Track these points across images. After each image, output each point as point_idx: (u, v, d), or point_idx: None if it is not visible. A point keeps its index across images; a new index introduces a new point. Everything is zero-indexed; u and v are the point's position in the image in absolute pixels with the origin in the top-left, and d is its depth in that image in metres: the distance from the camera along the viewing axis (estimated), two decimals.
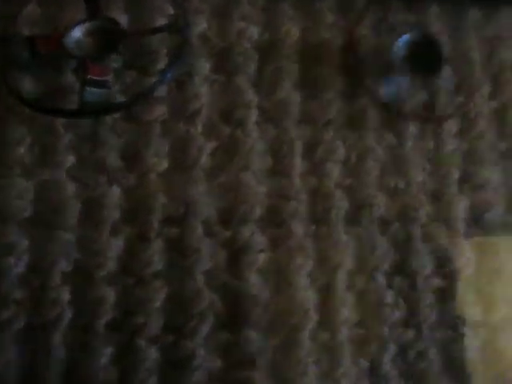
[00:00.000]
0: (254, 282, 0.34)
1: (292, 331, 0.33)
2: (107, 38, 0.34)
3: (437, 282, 0.37)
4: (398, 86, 0.38)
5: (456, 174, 0.39)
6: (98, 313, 0.32)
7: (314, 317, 0.34)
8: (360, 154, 0.38)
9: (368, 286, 0.35)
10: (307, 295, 0.34)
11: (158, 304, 0.33)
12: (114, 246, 0.33)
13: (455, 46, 0.41)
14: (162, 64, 0.36)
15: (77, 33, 0.34)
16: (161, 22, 0.37)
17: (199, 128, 0.36)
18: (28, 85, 0.34)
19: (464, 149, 0.40)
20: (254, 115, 0.37)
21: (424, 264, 0.37)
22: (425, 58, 0.38)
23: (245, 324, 0.33)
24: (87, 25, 0.34)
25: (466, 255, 0.37)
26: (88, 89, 0.32)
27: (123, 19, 0.37)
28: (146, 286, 0.33)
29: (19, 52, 0.33)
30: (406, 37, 0.38)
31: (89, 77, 0.32)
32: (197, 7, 0.39)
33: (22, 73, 0.34)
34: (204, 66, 0.37)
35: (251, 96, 0.37)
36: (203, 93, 0.37)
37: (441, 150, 0.39)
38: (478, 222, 0.38)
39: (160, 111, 0.36)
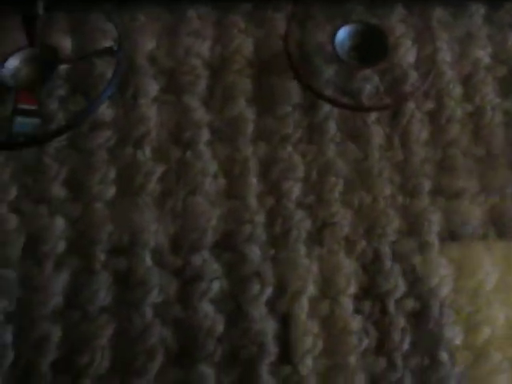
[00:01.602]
0: (207, 313, 0.31)
1: (249, 366, 0.31)
2: (41, 66, 0.32)
3: (410, 304, 0.33)
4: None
5: (428, 186, 0.36)
6: (41, 353, 0.30)
7: (272, 349, 0.31)
8: (321, 170, 0.35)
9: (333, 312, 0.33)
10: (265, 326, 0.31)
11: (104, 341, 0.31)
12: (58, 281, 0.32)
13: (422, 48, 0.39)
14: (105, 88, 0.35)
15: (14, 61, 0.33)
16: (105, 44, 0.36)
17: (147, 152, 0.34)
18: None
19: (436, 157, 0.37)
20: (204, 135, 0.35)
21: (395, 285, 0.34)
22: (370, 48, 0.36)
23: (198, 359, 0.30)
24: (23, 53, 0.33)
25: (441, 273, 0.34)
26: (18, 119, 0.31)
27: (67, 43, 0.36)
28: (91, 322, 0.31)
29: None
30: (346, 28, 0.36)
31: (18, 106, 0.31)
32: (144, 26, 0.37)
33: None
34: (152, 88, 0.35)
35: (201, 115, 0.35)
36: (151, 115, 0.34)
37: (410, 161, 0.37)
38: (454, 236, 0.35)
39: (105, 137, 0.34)
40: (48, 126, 0.33)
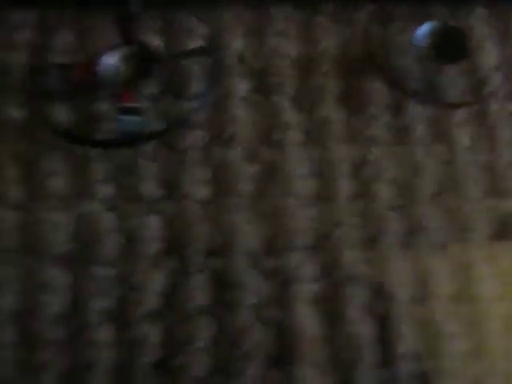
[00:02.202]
0: (304, 315, 0.31)
1: (348, 369, 0.31)
2: (141, 64, 0.32)
3: (506, 306, 0.33)
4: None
5: None
6: (140, 353, 0.30)
7: (371, 352, 0.31)
8: (410, 172, 0.35)
9: (429, 315, 0.32)
10: (362, 328, 0.31)
11: (203, 343, 0.31)
12: (156, 281, 0.32)
13: (505, 50, 0.39)
14: (197, 87, 0.35)
15: (110, 59, 0.32)
16: (195, 44, 0.36)
17: (238, 152, 0.34)
18: (62, 115, 0.32)
19: None
20: (294, 136, 0.35)
21: (488, 287, 0.33)
22: (450, 47, 0.36)
23: (297, 362, 0.30)
24: (121, 51, 0.32)
25: None
26: (122, 117, 0.30)
27: (156, 42, 0.36)
28: (190, 323, 0.31)
29: (52, 81, 0.32)
30: (425, 27, 0.36)
31: (122, 105, 0.30)
32: (231, 26, 0.37)
33: (56, 103, 0.32)
34: (241, 87, 0.35)
35: (291, 116, 0.35)
36: (241, 115, 0.34)
37: (497, 162, 0.37)
38: None
39: (197, 137, 0.34)
40: (146, 124, 0.33)
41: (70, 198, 0.32)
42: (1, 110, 0.33)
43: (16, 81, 0.34)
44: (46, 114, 0.32)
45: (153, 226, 0.32)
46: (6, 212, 0.31)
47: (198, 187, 0.33)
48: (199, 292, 0.31)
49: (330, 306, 0.31)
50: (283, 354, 0.31)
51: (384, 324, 0.31)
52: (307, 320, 0.31)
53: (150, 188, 0.32)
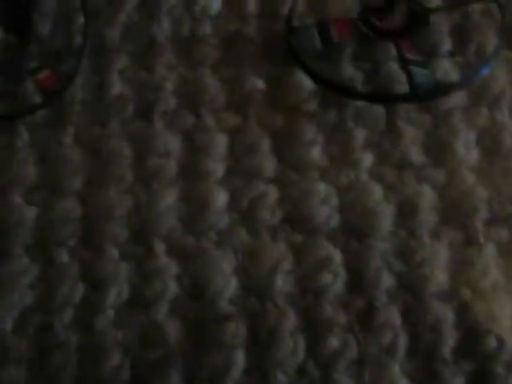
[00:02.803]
0: None
1: None
2: (414, 13, 0.29)
3: None
4: None
5: None
6: (436, 338, 0.26)
7: None
8: None
9: None
10: None
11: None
12: (439, 254, 0.28)
13: None
14: (447, 45, 0.32)
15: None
16: None
17: (505, 112, 0.31)
18: (327, 74, 0.30)
19: None
20: None
21: None
22: None
23: None
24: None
25: None
26: (414, 69, 0.27)
27: None
28: (485, 302, 0.27)
29: (310, 41, 0.30)
30: None
31: (410, 56, 0.27)
32: None
33: (316, 63, 0.30)
34: (494, 43, 0.32)
35: None
36: (500, 73, 0.32)
37: None
38: None
39: (459, 97, 0.31)
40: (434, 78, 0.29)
41: (331, 168, 0.29)
42: (244, 81, 0.31)
43: (253, 50, 0.32)
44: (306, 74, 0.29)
45: (425, 195, 0.29)
46: (262, 186, 0.29)
47: (467, 151, 0.30)
48: (490, 266, 0.28)
49: None
50: None
51: None
52: None
53: (416, 153, 0.30)
